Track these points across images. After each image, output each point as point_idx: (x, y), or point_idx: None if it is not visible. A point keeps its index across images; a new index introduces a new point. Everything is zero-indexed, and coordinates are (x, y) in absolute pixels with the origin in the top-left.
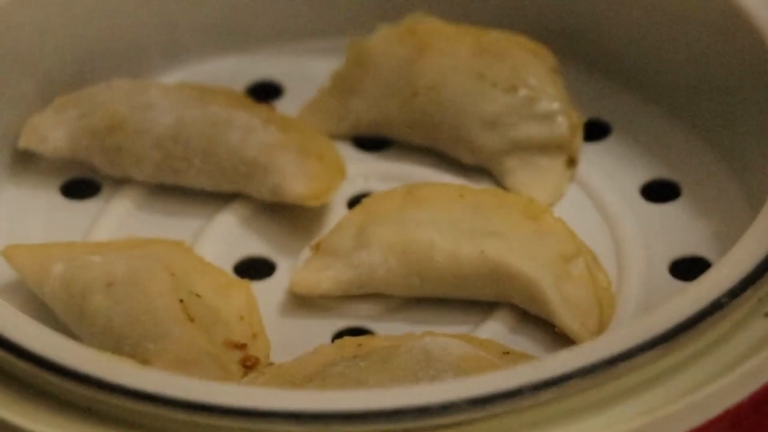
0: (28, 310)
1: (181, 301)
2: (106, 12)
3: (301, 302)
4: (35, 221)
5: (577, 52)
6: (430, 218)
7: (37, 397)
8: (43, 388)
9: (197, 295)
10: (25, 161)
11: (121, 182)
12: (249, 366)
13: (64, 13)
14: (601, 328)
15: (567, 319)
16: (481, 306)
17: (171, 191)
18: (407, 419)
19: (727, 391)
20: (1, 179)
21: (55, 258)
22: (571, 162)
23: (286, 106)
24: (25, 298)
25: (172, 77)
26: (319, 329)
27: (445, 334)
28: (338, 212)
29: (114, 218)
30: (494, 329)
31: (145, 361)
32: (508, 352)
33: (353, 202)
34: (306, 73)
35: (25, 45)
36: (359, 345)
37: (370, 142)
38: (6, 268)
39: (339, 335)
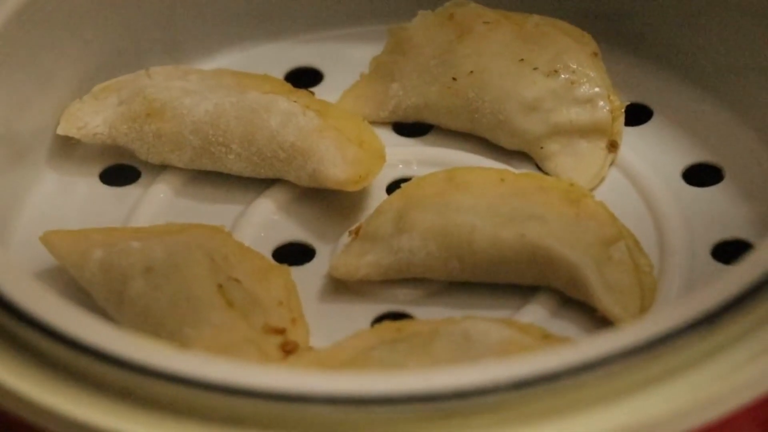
0: (67, 295)
1: (220, 286)
2: (143, 0)
3: (341, 287)
4: (75, 207)
5: (618, 36)
6: (470, 203)
7: (76, 381)
8: (82, 372)
9: (236, 280)
10: (65, 148)
11: (161, 168)
12: (288, 351)
13: (103, 1)
14: (642, 311)
15: (608, 302)
16: (521, 290)
17: (210, 177)
18: (447, 402)
19: None
20: (41, 166)
21: (95, 244)
22: (613, 146)
23: (325, 92)
24: (65, 284)
25: (210, 64)
26: (359, 314)
27: (485, 318)
28: (378, 197)
29: (153, 204)
30: (535, 313)
31: (183, 346)
32: (548, 336)
33: (393, 188)
34: (345, 59)
35: (63, 33)
36: (399, 329)
37: (410, 128)
38: (46, 253)
39: (378, 320)
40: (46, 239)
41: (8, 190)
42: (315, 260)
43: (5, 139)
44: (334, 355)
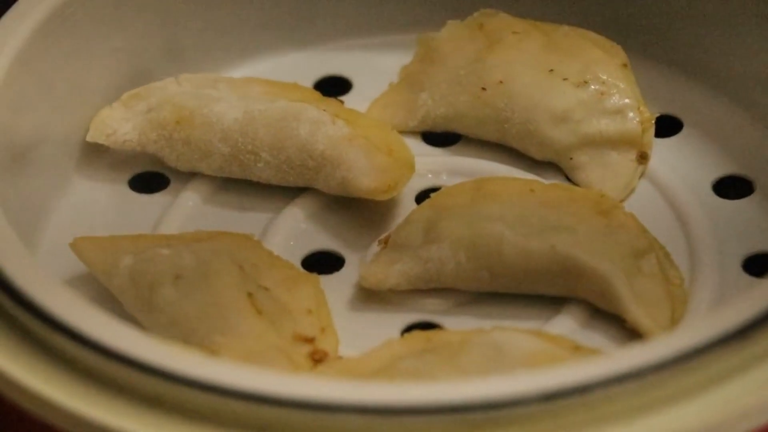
0: (96, 302)
1: (250, 294)
2: (175, 7)
3: (370, 296)
4: (104, 214)
5: (648, 46)
6: (499, 213)
7: (105, 388)
8: (111, 379)
9: (265, 289)
10: (94, 155)
11: (190, 176)
12: (317, 360)
13: (133, 8)
14: (673, 324)
15: (638, 314)
16: (550, 301)
17: (239, 185)
18: (476, 413)
19: None
20: (71, 172)
21: (124, 250)
22: (643, 157)
23: (354, 100)
24: (94, 290)
25: (240, 72)
26: (388, 323)
27: (515, 329)
28: (407, 207)
29: (182, 212)
30: (564, 325)
31: (212, 353)
32: (578, 348)
33: (422, 197)
34: (375, 67)
35: (94, 40)
36: (428, 339)
37: (439, 137)
38: (75, 260)
39: (408, 329)
40: (76, 246)
41: (38, 197)
42: (344, 269)
43: (35, 146)
44: (363, 364)
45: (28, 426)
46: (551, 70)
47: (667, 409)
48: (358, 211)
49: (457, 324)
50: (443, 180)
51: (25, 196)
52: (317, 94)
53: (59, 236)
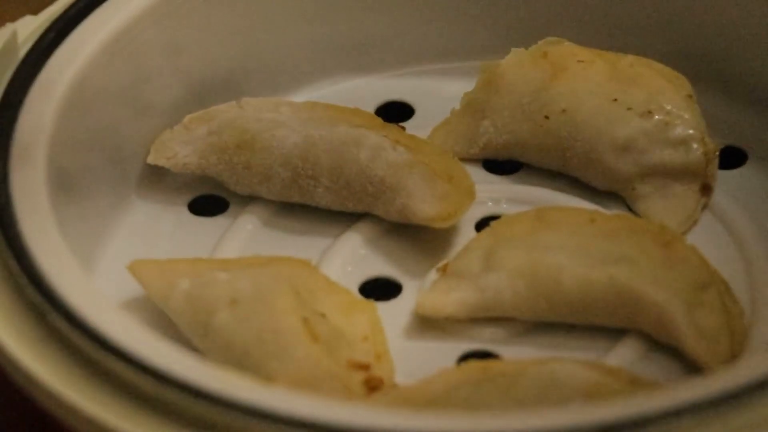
0: (152, 325)
1: (306, 320)
2: (239, 31)
3: (427, 324)
4: (162, 237)
5: (713, 78)
6: (559, 242)
7: (159, 413)
8: (165, 404)
9: (322, 315)
10: (155, 177)
11: (249, 199)
12: (372, 387)
13: (196, 33)
14: (732, 357)
15: (698, 347)
16: (609, 332)
17: (298, 209)
18: None
19: None
20: (131, 194)
21: (181, 274)
22: (706, 189)
23: (416, 127)
24: (151, 313)
25: (301, 96)
26: (444, 352)
27: (572, 360)
28: (466, 235)
29: (240, 236)
30: (623, 356)
31: (267, 379)
32: (636, 381)
33: (481, 225)
34: (437, 94)
35: (156, 63)
36: (484, 369)
37: (501, 165)
38: (132, 282)
39: (464, 358)
40: (134, 268)
41: (97, 219)
42: (401, 296)
43: (97, 167)
44: (419, 392)
45: None
46: (615, 100)
47: None
48: (417, 237)
49: (514, 354)
50: (503, 208)
51: (84, 217)
52: (378, 120)
53: (118, 258)
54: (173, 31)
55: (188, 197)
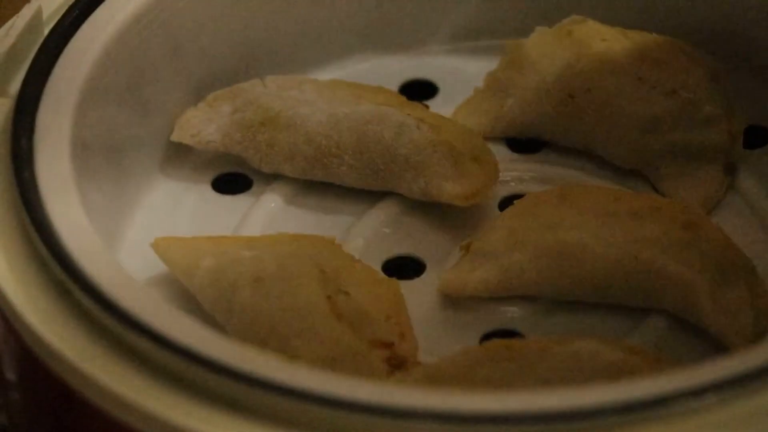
0: (176, 302)
1: (330, 298)
2: (263, 9)
3: (450, 303)
4: (186, 214)
5: (738, 57)
6: (583, 221)
7: (182, 389)
8: (188, 380)
9: (346, 293)
10: (178, 155)
11: (272, 177)
12: (395, 365)
13: (221, 10)
14: (756, 336)
15: (722, 326)
16: (633, 312)
17: (322, 187)
18: (554, 423)
19: None
20: (155, 172)
21: (205, 251)
22: (730, 168)
23: (440, 105)
24: (174, 291)
25: (325, 74)
26: (467, 330)
27: (595, 339)
28: (490, 213)
29: (264, 213)
30: (646, 336)
31: (291, 356)
32: (659, 360)
33: (505, 204)
34: (461, 73)
35: (180, 41)
36: (508, 347)
37: (525, 144)
38: (156, 260)
39: (487, 337)
40: (157, 246)
41: (121, 197)
42: (425, 275)
43: (120, 145)
44: (442, 371)
45: (103, 426)
46: (640, 79)
47: (750, 424)
48: (441, 216)
49: (537, 332)
50: (527, 187)
51: (108, 195)
52: (402, 98)
53: (142, 235)
54: (195, 9)
55: (212, 175)
